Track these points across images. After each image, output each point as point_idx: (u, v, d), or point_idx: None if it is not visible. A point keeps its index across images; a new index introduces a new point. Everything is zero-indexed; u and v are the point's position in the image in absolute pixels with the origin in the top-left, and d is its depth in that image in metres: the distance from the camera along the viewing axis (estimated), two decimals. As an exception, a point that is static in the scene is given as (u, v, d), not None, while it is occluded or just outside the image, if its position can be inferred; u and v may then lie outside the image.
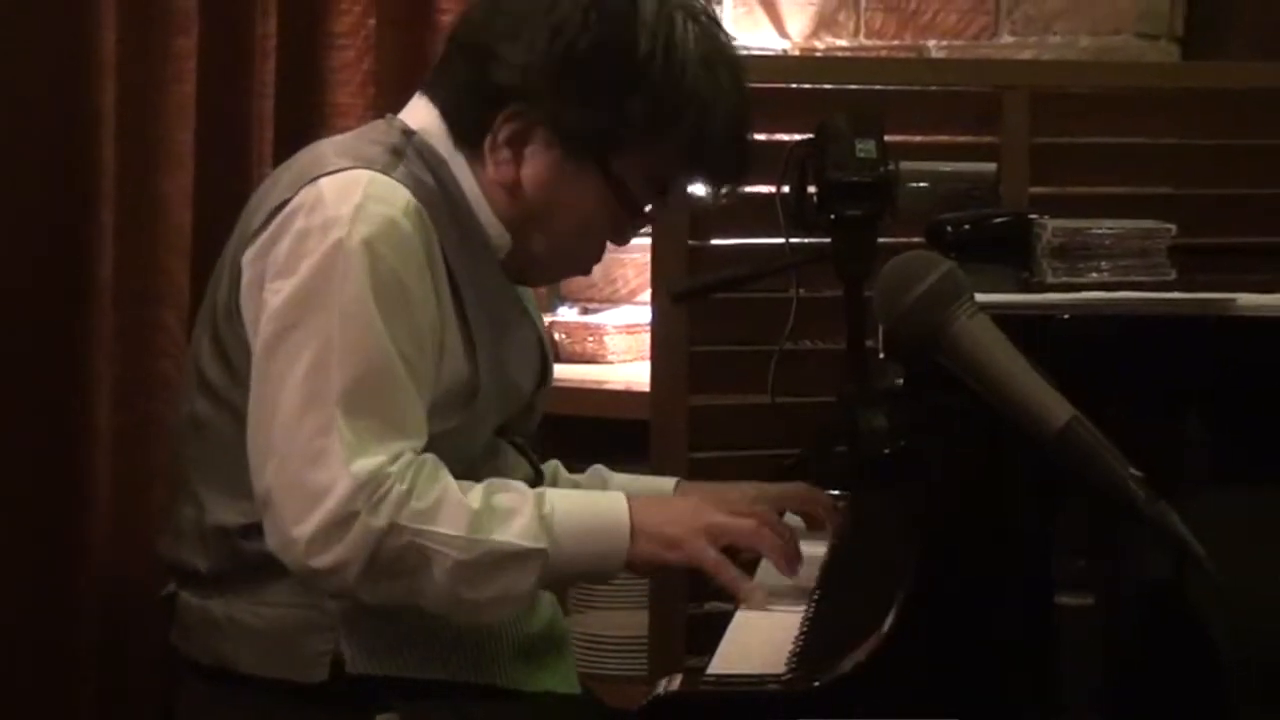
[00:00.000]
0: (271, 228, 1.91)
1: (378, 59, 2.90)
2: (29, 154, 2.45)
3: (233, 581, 1.98)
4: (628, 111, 1.94)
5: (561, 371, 3.34)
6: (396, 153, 1.96)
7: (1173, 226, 1.95)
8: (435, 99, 2.03)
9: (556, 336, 3.55)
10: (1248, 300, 1.62)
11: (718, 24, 2.04)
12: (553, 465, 2.28)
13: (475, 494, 1.88)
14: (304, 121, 2.80)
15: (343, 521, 1.82)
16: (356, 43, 2.90)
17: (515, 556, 1.86)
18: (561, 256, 2.09)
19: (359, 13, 2.91)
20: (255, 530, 1.92)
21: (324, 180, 1.90)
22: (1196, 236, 2.07)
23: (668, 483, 2.25)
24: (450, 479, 1.88)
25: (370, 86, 2.88)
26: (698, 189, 2.08)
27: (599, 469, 2.27)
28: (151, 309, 2.60)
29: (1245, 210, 3.00)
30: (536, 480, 2.14)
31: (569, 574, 1.97)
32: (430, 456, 1.88)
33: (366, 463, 1.82)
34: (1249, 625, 1.55)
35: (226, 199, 2.60)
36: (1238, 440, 1.61)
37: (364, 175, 1.89)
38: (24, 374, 2.46)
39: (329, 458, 1.82)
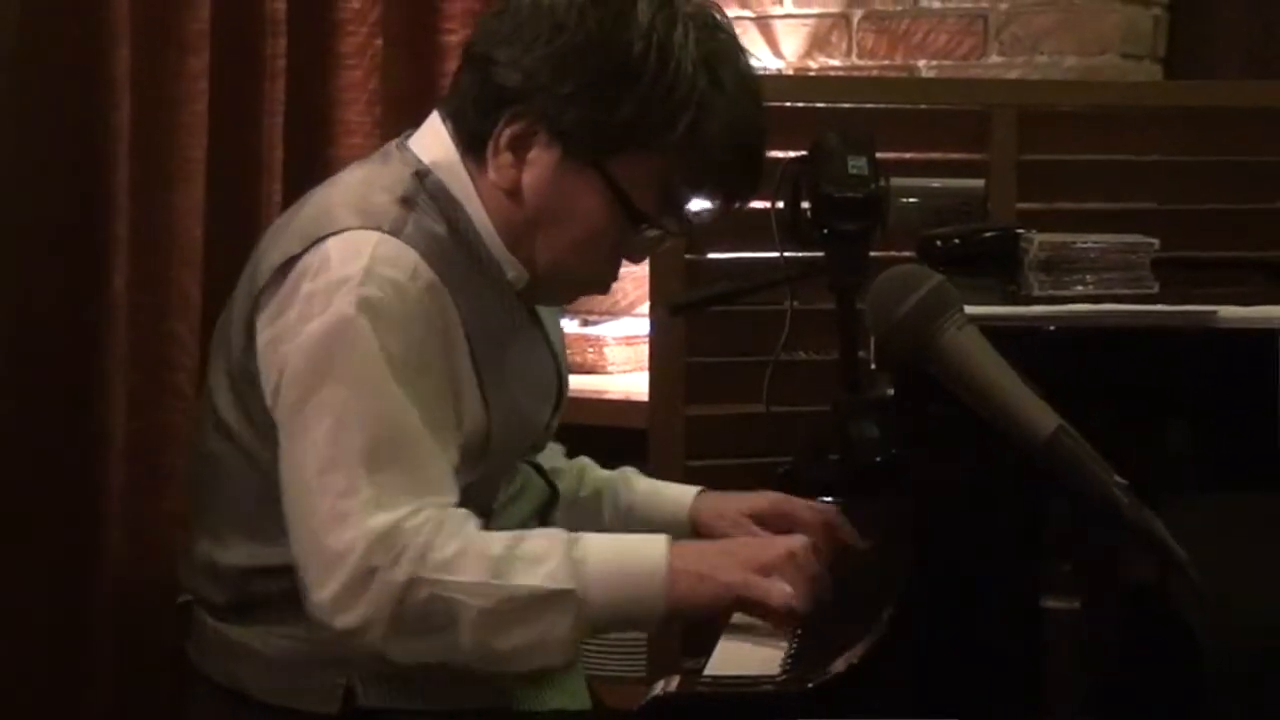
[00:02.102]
0: (282, 290, 1.86)
1: (384, 79, 2.90)
2: (47, 170, 2.45)
3: (247, 614, 1.95)
4: (621, 112, 1.87)
5: (562, 382, 3.35)
6: (407, 203, 1.90)
7: (1156, 241, 1.95)
8: (445, 113, 1.98)
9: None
10: (1228, 313, 1.62)
11: (728, 31, 1.96)
12: (580, 464, 2.24)
13: (498, 542, 1.81)
14: (313, 139, 2.81)
15: (362, 579, 1.77)
16: (364, 63, 2.91)
17: (543, 600, 1.77)
18: (570, 268, 1.98)
19: (366, 34, 2.91)
20: (268, 572, 1.89)
21: (331, 241, 1.85)
22: (1179, 251, 2.07)
23: (689, 491, 2.20)
24: (474, 530, 1.82)
25: (377, 105, 2.88)
26: (705, 201, 1.98)
27: (627, 471, 2.24)
28: (164, 321, 2.60)
29: (1226, 225, 3.01)
30: (552, 500, 2.12)
31: (607, 618, 1.83)
32: (456, 510, 1.83)
33: (384, 518, 1.77)
34: (1230, 628, 1.55)
35: (238, 214, 2.61)
36: (1219, 448, 1.61)
37: (371, 237, 1.84)
38: (40, 384, 2.46)
39: (350, 518, 1.77)
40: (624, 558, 1.82)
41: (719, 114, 1.89)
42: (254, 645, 1.94)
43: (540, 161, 1.91)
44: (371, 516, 1.77)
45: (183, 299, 2.61)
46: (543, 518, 2.12)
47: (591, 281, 2.05)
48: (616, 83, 1.86)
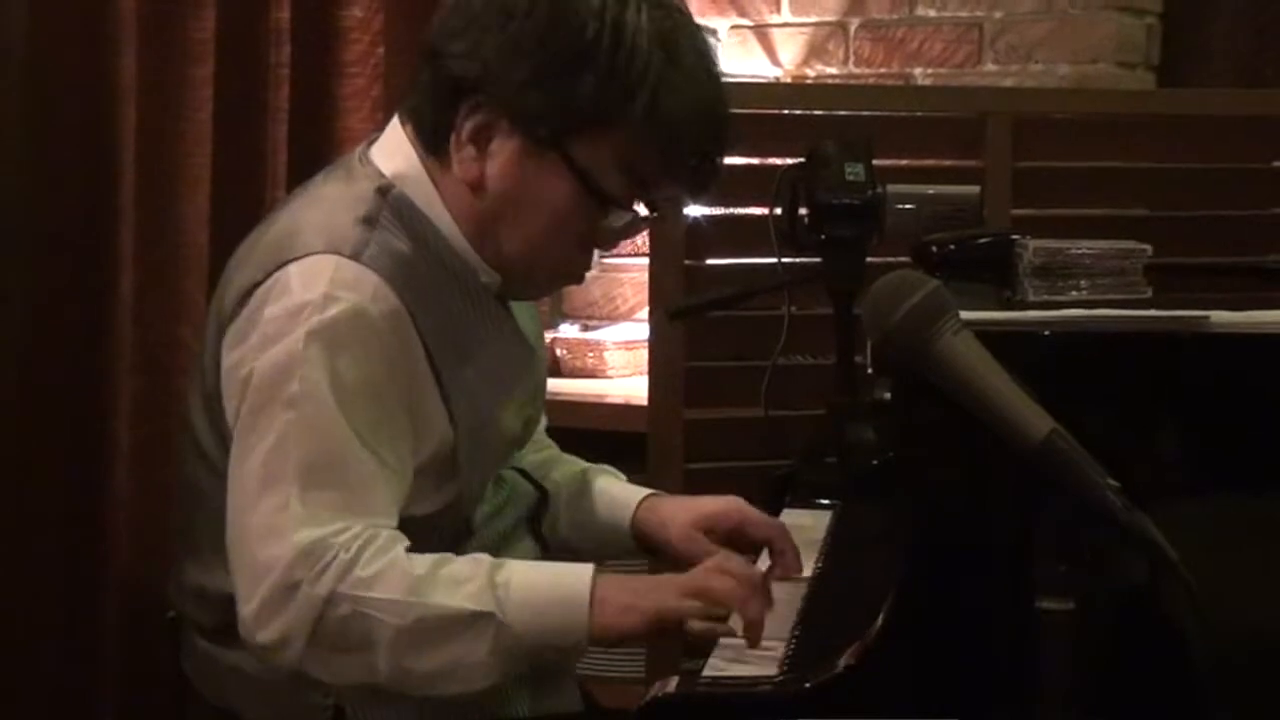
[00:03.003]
0: (244, 314, 1.84)
1: (387, 86, 2.91)
2: (54, 176, 2.46)
3: (235, 636, 1.87)
4: (579, 92, 1.83)
5: (563, 386, 3.35)
6: (369, 222, 1.85)
7: (1149, 247, 1.95)
8: (404, 115, 1.94)
9: (558, 352, 3.55)
10: (1220, 318, 1.62)
11: (683, 10, 1.92)
12: (579, 470, 2.19)
13: (422, 562, 1.76)
14: (316, 146, 2.81)
15: (285, 593, 1.72)
16: (366, 71, 2.91)
17: (458, 621, 1.73)
18: (539, 258, 1.93)
19: (368, 42, 2.92)
20: None
21: (292, 266, 1.81)
22: (1171, 256, 2.07)
23: (635, 495, 2.13)
24: (401, 551, 1.76)
25: (379, 112, 2.88)
26: (670, 182, 1.92)
27: (593, 470, 2.19)
28: (169, 326, 2.61)
29: (1218, 231, 3.01)
30: (542, 501, 2.10)
31: (528, 645, 1.75)
32: (389, 531, 1.78)
33: (311, 533, 1.73)
34: (1221, 630, 1.55)
35: (242, 220, 2.60)
36: (1211, 452, 1.61)
37: (331, 261, 1.80)
38: (46, 389, 2.47)
39: (280, 532, 1.74)
40: (548, 585, 1.77)
41: (677, 90, 1.84)
42: (243, 667, 1.90)
43: (503, 151, 1.87)
44: (299, 531, 1.73)
45: (188, 304, 2.62)
46: (532, 521, 2.10)
47: (563, 272, 2.01)
48: (572, 64, 1.83)
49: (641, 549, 2.13)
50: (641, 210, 1.93)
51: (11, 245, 2.42)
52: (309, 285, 1.79)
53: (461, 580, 1.75)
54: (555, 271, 1.99)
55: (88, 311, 2.49)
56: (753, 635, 1.73)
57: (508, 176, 1.88)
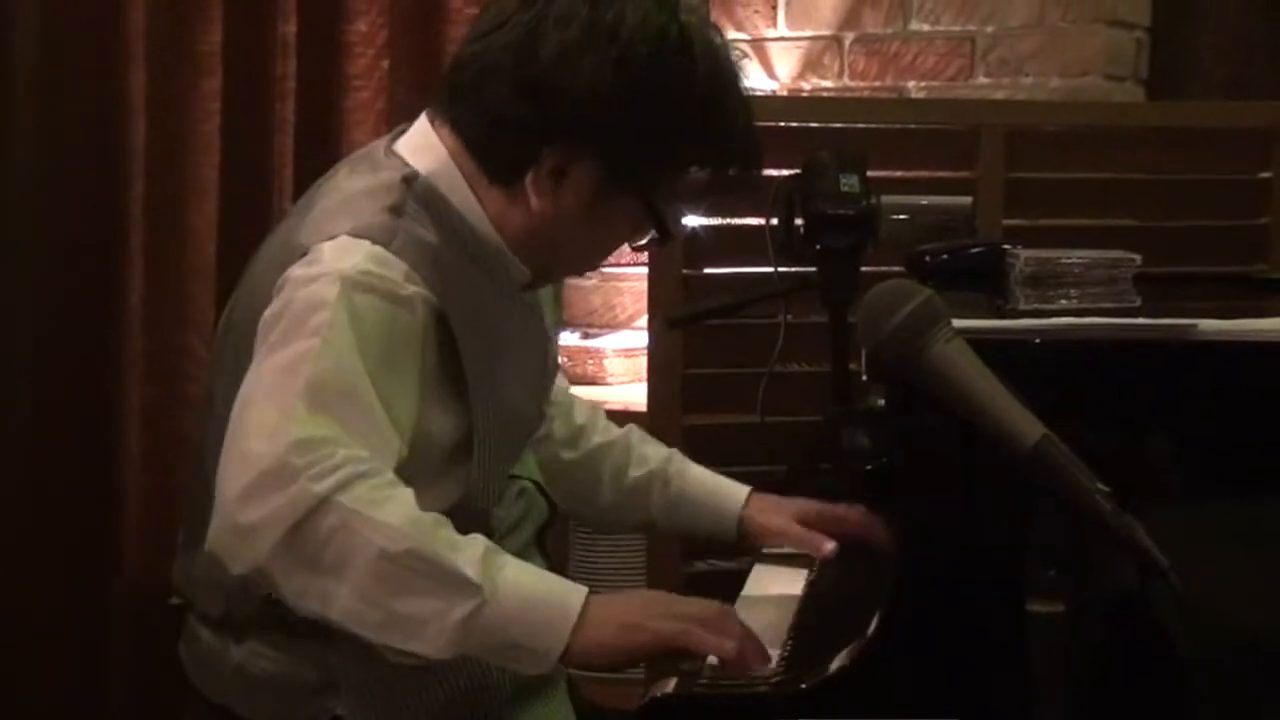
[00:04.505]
0: (275, 288, 1.77)
1: (391, 99, 2.91)
2: (65, 188, 2.47)
3: (243, 630, 1.87)
4: (685, 149, 1.79)
5: (563, 392, 3.35)
6: (395, 211, 1.78)
7: (1138, 256, 1.96)
8: (460, 131, 1.82)
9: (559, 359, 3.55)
10: (1208, 326, 1.63)
11: (723, 35, 1.87)
12: (630, 438, 2.16)
13: (437, 516, 1.64)
14: (321, 158, 2.80)
15: (279, 474, 1.59)
16: (371, 84, 2.91)
17: (447, 576, 1.59)
18: (582, 266, 2.01)
19: (373, 56, 2.92)
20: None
21: (325, 244, 1.76)
22: (1160, 266, 2.07)
23: (741, 491, 2.11)
24: (410, 492, 1.64)
25: (384, 125, 2.88)
26: (718, 197, 1.94)
27: (675, 456, 2.16)
28: (179, 334, 2.61)
29: (1205, 241, 3.01)
30: (552, 515, 2.08)
31: (499, 637, 1.61)
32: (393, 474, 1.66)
33: (318, 432, 1.61)
34: (1208, 633, 1.56)
35: (249, 230, 2.61)
36: (1198, 456, 1.61)
37: (363, 245, 1.74)
38: (57, 396, 2.47)
39: (279, 430, 1.61)
40: (542, 584, 1.65)
41: (739, 118, 1.82)
42: (245, 665, 1.88)
43: (581, 184, 1.79)
44: (303, 430, 1.61)
45: (197, 312, 2.62)
46: (539, 536, 2.09)
47: (595, 267, 2.04)
48: (682, 123, 1.78)
49: (739, 540, 2.12)
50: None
51: (23, 254, 2.43)
52: (342, 257, 1.74)
53: (460, 546, 1.62)
54: (586, 268, 2.04)
55: (98, 319, 2.49)
56: (737, 663, 1.64)
57: (580, 209, 1.81)
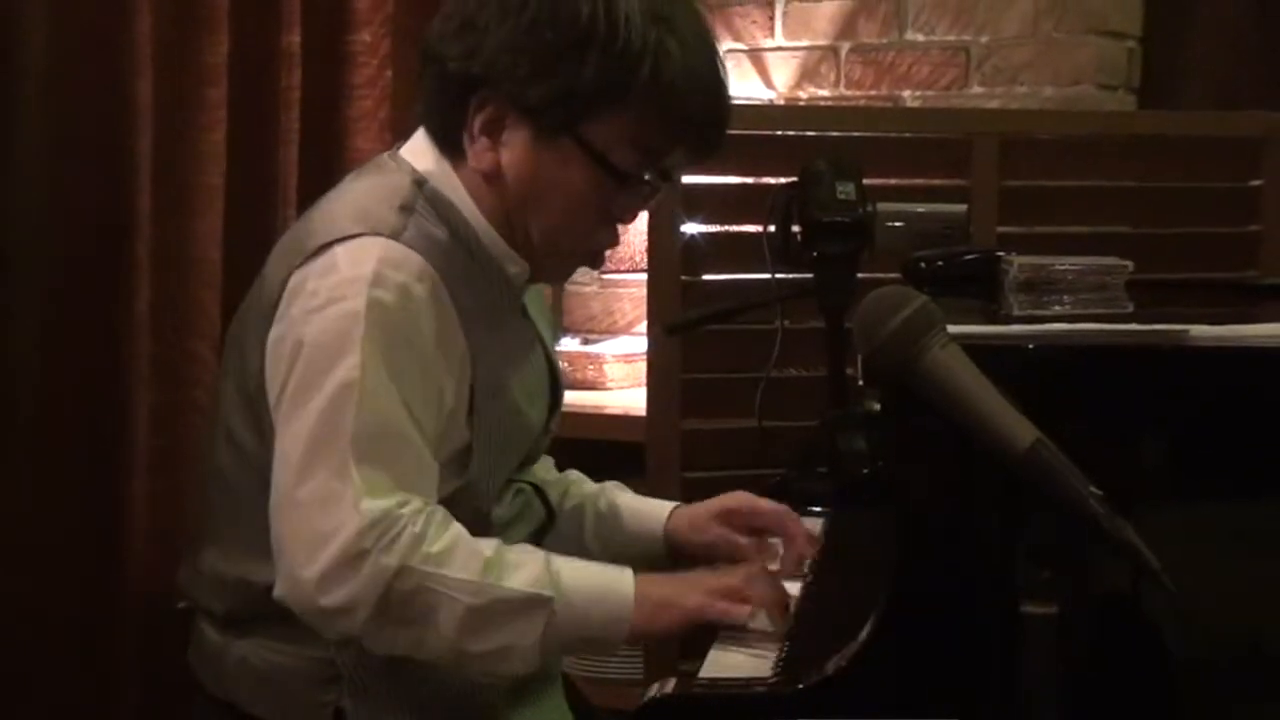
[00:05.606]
0: (286, 294, 1.82)
1: (394, 108, 2.91)
2: (72, 195, 2.46)
3: (245, 626, 1.90)
4: (582, 77, 1.81)
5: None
6: (406, 209, 1.85)
7: (1130, 263, 1.96)
8: (422, 120, 1.94)
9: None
10: (1199, 331, 1.63)
11: None
12: (568, 479, 2.20)
13: (487, 543, 1.77)
14: (326, 166, 2.81)
15: (354, 559, 1.70)
16: (374, 93, 2.92)
17: (524, 603, 1.74)
18: (565, 240, 1.93)
19: (376, 66, 2.93)
20: (271, 587, 1.80)
21: (338, 247, 1.81)
22: (1152, 273, 2.07)
23: (664, 507, 2.16)
24: (462, 528, 1.77)
25: (387, 133, 2.89)
26: (680, 150, 1.90)
27: (609, 486, 2.20)
28: (185, 340, 2.61)
29: (1197, 248, 3.01)
30: (549, 522, 2.10)
31: (574, 635, 1.77)
32: (440, 508, 1.77)
33: (377, 503, 1.71)
34: (1200, 634, 1.56)
35: (255, 238, 2.62)
36: (1190, 460, 1.61)
37: (377, 242, 1.80)
38: (65, 401, 2.47)
39: (340, 500, 1.71)
40: (595, 578, 1.79)
41: (676, 58, 1.83)
42: (249, 660, 1.90)
43: (515, 140, 1.86)
44: (363, 500, 1.71)
45: (203, 319, 2.62)
46: (536, 541, 2.10)
47: (589, 249, 1.98)
48: (572, 51, 1.82)
49: (671, 556, 2.15)
50: (654, 178, 1.92)
51: (31, 261, 2.43)
52: (358, 263, 1.78)
53: (520, 564, 1.76)
54: (582, 249, 1.98)
55: (104, 326, 2.49)
56: (778, 622, 1.80)
57: (523, 164, 1.87)
